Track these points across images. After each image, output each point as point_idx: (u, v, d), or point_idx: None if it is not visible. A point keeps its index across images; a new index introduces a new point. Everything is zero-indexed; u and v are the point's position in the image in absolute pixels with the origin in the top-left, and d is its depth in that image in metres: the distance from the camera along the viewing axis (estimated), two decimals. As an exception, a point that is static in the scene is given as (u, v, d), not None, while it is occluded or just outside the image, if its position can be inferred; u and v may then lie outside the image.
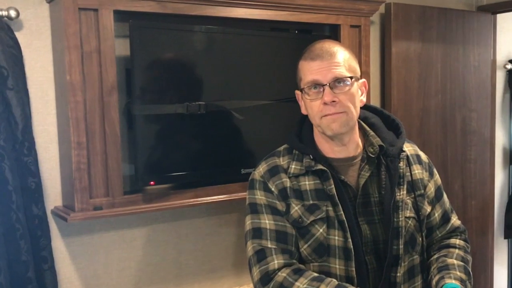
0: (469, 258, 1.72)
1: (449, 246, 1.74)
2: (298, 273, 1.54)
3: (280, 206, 1.63)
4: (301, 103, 1.68)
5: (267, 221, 1.63)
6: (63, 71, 2.04)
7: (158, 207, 2.24)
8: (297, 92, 1.68)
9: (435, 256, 1.71)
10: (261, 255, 1.59)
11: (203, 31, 2.31)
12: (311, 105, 1.59)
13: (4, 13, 1.98)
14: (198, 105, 2.26)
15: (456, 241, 1.76)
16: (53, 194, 2.19)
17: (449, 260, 1.66)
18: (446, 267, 1.62)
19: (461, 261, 1.66)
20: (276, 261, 1.56)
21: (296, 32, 2.66)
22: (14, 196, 1.96)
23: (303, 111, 1.68)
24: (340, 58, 1.57)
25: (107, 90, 2.09)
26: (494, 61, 3.53)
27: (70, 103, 2.02)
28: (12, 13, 2.00)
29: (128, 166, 2.30)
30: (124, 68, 2.23)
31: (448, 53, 3.22)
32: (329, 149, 1.65)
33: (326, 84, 1.54)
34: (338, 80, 1.55)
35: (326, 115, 1.56)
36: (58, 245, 2.22)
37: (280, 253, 1.58)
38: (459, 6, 3.40)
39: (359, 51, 2.74)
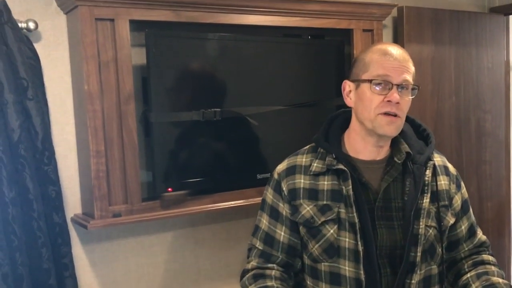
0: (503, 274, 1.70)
1: (484, 262, 1.70)
2: (255, 278, 1.63)
3: (283, 208, 1.66)
4: (348, 94, 1.65)
5: (264, 221, 1.70)
6: (81, 81, 2.07)
7: (176, 213, 2.27)
8: (348, 82, 1.65)
9: (473, 273, 1.67)
10: (249, 253, 1.73)
11: (217, 39, 2.34)
12: (372, 98, 1.55)
13: (23, 25, 2.02)
14: (213, 111, 2.29)
15: (489, 258, 1.72)
16: (72, 202, 2.22)
17: (494, 279, 1.62)
18: (493, 287, 1.60)
19: (502, 278, 1.64)
20: (252, 262, 1.68)
21: (309, 37, 2.68)
22: (35, 205, 2.00)
23: (349, 103, 1.65)
24: (411, 66, 1.58)
25: (124, 99, 2.12)
26: (507, 62, 3.52)
27: (88, 112, 2.06)
28: (31, 25, 2.04)
29: (146, 173, 2.32)
30: (141, 77, 2.26)
31: (461, 55, 3.22)
32: (361, 148, 1.64)
33: (394, 84, 1.53)
34: (406, 86, 1.56)
35: (384, 114, 1.54)
36: (78, 252, 2.25)
37: (259, 256, 1.68)
38: (471, 8, 3.40)
39: (372, 55, 2.75)
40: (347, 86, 1.65)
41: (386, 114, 1.54)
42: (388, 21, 2.99)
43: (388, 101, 1.53)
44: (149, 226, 2.39)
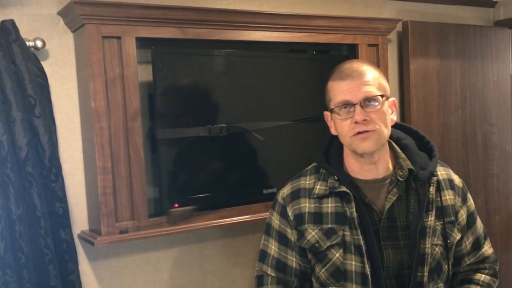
0: None
1: (471, 281, 1.68)
2: None
3: (290, 234, 1.65)
4: (331, 124, 1.65)
5: (273, 247, 1.68)
6: (88, 98, 2.09)
7: (183, 229, 2.27)
8: (326, 113, 1.65)
9: None
10: (259, 280, 1.69)
11: (223, 55, 2.36)
12: (342, 125, 1.57)
13: (31, 43, 2.05)
14: (220, 127, 2.30)
15: (481, 277, 1.69)
16: (79, 218, 2.23)
17: None
18: None
19: None
20: None
21: (314, 52, 2.69)
22: (42, 222, 2.01)
23: (333, 132, 1.65)
24: (370, 77, 1.55)
25: (131, 116, 2.13)
26: (513, 75, 3.52)
27: (95, 129, 2.07)
28: (39, 43, 2.06)
29: (152, 189, 2.33)
30: (147, 94, 2.28)
31: (466, 68, 3.23)
32: (358, 169, 1.62)
33: (357, 103, 1.52)
34: (368, 99, 1.53)
35: (356, 134, 1.53)
36: (85, 269, 2.25)
37: (276, 283, 1.65)
38: (476, 21, 3.41)
39: (377, 69, 2.76)
40: (327, 116, 1.66)
41: (358, 133, 1.54)
42: (393, 36, 3.00)
43: (355, 122, 1.53)
44: (156, 242, 2.39)
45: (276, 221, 1.69)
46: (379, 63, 2.76)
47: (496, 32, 3.36)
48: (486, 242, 1.75)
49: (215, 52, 2.35)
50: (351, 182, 1.61)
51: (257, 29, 2.40)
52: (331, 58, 2.72)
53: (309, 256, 1.64)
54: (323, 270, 1.60)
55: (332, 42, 2.63)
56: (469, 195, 1.73)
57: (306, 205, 1.64)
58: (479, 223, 1.74)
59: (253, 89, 2.43)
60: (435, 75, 3.10)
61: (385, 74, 2.77)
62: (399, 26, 2.96)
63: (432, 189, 1.59)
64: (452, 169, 1.76)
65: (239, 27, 2.35)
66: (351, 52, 2.75)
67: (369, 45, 2.74)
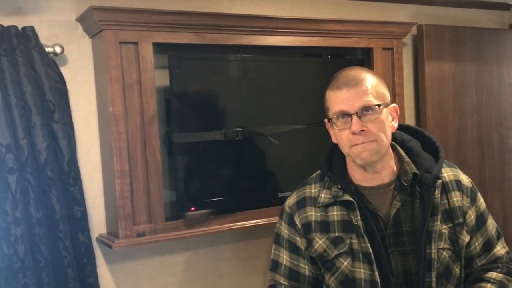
0: None
1: (482, 280, 1.64)
2: None
3: (300, 242, 1.64)
4: (331, 132, 1.63)
5: (284, 256, 1.67)
6: (106, 103, 2.12)
7: (199, 232, 2.29)
8: (326, 121, 1.63)
9: None
10: None
11: (238, 60, 2.38)
12: (340, 135, 1.55)
13: (50, 49, 2.08)
14: (235, 131, 2.32)
15: (493, 275, 1.64)
16: (97, 222, 2.26)
17: None
18: None
19: None
20: None
21: (329, 56, 2.71)
22: (61, 225, 2.04)
23: (334, 140, 1.63)
24: (367, 85, 1.52)
25: (148, 120, 2.16)
26: (529, 78, 3.50)
27: (113, 134, 2.10)
28: (58, 49, 2.09)
29: (169, 192, 2.35)
30: (164, 98, 2.30)
31: (482, 72, 3.21)
32: (361, 177, 1.61)
33: (353, 114, 1.50)
34: (366, 109, 1.50)
35: (355, 145, 1.52)
36: (103, 272, 2.28)
37: None
38: (492, 24, 3.39)
39: (392, 73, 2.76)
40: (327, 125, 1.63)
41: (357, 144, 1.52)
42: (408, 39, 3.00)
43: (353, 132, 1.51)
44: (172, 245, 2.41)
45: (285, 230, 1.68)
46: (394, 67, 2.76)
47: (511, 35, 3.34)
48: (499, 242, 1.70)
49: (230, 57, 2.37)
50: (355, 190, 1.60)
51: (272, 33, 2.42)
52: (345, 62, 2.72)
53: (319, 264, 1.63)
54: (332, 278, 1.60)
55: (347, 46, 2.64)
56: (479, 195, 1.69)
57: (313, 214, 1.64)
58: (490, 224, 1.69)
59: (268, 93, 2.45)
60: (451, 78, 3.10)
61: (400, 77, 2.78)
62: (414, 30, 2.96)
63: (437, 193, 1.57)
64: (467, 173, 1.74)
65: (255, 32, 2.37)
66: (366, 56, 2.75)
67: (383, 48, 2.74)
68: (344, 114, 1.52)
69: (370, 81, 1.54)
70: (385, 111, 1.54)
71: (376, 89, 1.54)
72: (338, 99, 1.53)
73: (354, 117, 1.50)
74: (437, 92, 3.05)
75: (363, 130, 1.50)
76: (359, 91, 1.51)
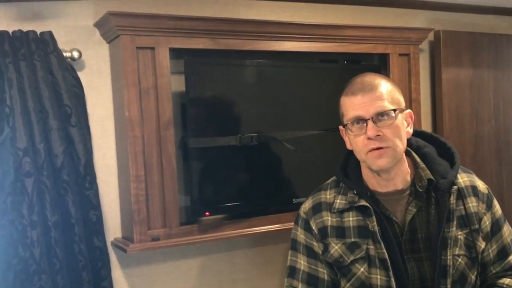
0: None
1: (495, 285, 1.61)
2: None
3: (317, 247, 1.63)
4: (346, 139, 1.62)
5: (302, 262, 1.65)
6: (122, 108, 2.13)
7: (213, 237, 2.29)
8: (341, 128, 1.62)
9: None
10: None
11: (254, 65, 2.38)
12: (355, 141, 1.54)
13: (68, 54, 2.10)
14: (250, 136, 2.32)
15: (506, 281, 1.61)
16: (113, 226, 2.27)
17: None
18: None
19: None
20: None
21: (345, 62, 2.70)
22: (76, 229, 2.05)
23: (348, 147, 1.63)
24: (383, 90, 1.52)
25: (163, 125, 2.16)
26: (548, 84, 3.46)
27: (129, 138, 2.11)
28: (75, 54, 2.11)
29: (184, 197, 2.35)
30: (179, 103, 2.31)
31: (500, 78, 3.18)
32: (376, 183, 1.60)
33: (369, 119, 1.50)
34: (381, 114, 1.50)
35: (371, 150, 1.51)
36: (118, 276, 2.29)
37: None
38: (509, 31, 3.35)
39: (408, 79, 2.75)
40: (342, 130, 1.63)
41: (373, 150, 1.51)
42: (424, 45, 2.98)
43: (368, 138, 1.50)
44: (186, 250, 2.41)
45: (301, 235, 1.67)
46: (411, 73, 2.75)
47: (530, 41, 3.31)
48: None
49: (246, 62, 2.37)
50: (371, 195, 1.59)
51: (288, 39, 2.42)
52: (362, 68, 2.71)
53: (335, 269, 1.62)
54: (348, 284, 1.58)
55: (363, 52, 2.63)
56: (495, 202, 1.68)
57: (329, 219, 1.63)
58: (506, 231, 1.67)
59: (284, 99, 2.44)
60: (468, 85, 3.07)
61: (417, 83, 2.77)
62: (431, 36, 2.94)
63: (452, 198, 1.56)
64: (484, 180, 1.72)
65: (270, 38, 2.37)
66: (382, 62, 2.74)
67: (400, 54, 2.73)
68: (359, 120, 1.52)
69: (385, 86, 1.54)
70: (400, 116, 1.54)
71: (391, 94, 1.54)
72: (353, 105, 1.53)
73: (370, 122, 1.50)
74: (454, 98, 3.03)
75: (378, 135, 1.49)
76: (374, 96, 1.51)
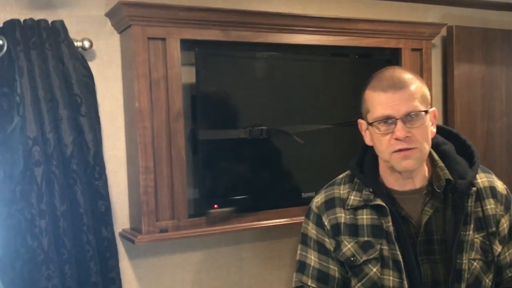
0: None
1: None
2: None
3: (329, 243, 1.59)
4: (365, 133, 1.56)
5: (312, 257, 1.61)
6: (132, 98, 2.12)
7: (221, 230, 2.28)
8: (361, 122, 1.56)
9: None
10: None
11: (265, 58, 2.37)
12: (380, 140, 1.47)
13: (79, 44, 2.09)
14: (260, 129, 2.30)
15: None
16: (121, 217, 2.27)
17: None
18: None
19: None
20: None
21: (357, 56, 2.68)
22: (85, 219, 2.05)
23: (368, 142, 1.56)
24: (414, 88, 1.45)
25: (173, 116, 2.15)
26: (561, 82, 3.42)
27: (139, 129, 2.10)
28: (86, 44, 2.10)
29: (192, 190, 2.35)
30: (190, 95, 2.30)
31: (512, 75, 3.16)
32: (394, 181, 1.55)
33: (398, 119, 1.42)
34: (411, 115, 1.43)
35: (397, 151, 1.45)
36: (125, 266, 2.28)
37: None
38: (523, 27, 3.33)
39: (420, 74, 2.72)
40: (362, 124, 1.56)
41: (399, 150, 1.45)
42: (437, 40, 2.96)
43: (396, 138, 1.44)
44: (194, 242, 2.41)
45: (312, 230, 1.63)
46: (423, 68, 2.72)
47: (543, 38, 3.28)
48: None
49: (257, 54, 2.36)
50: (387, 193, 1.54)
51: (299, 32, 2.40)
52: (373, 62, 2.69)
53: (346, 267, 1.59)
54: (359, 284, 1.55)
55: (375, 46, 2.61)
56: None
57: (342, 215, 1.58)
58: None
59: (294, 92, 2.43)
60: (480, 81, 3.04)
61: (429, 79, 2.74)
62: (443, 31, 2.92)
63: (470, 201, 1.51)
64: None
65: (282, 30, 2.36)
66: (394, 57, 2.72)
67: (412, 49, 2.71)
68: (388, 118, 1.45)
69: (415, 83, 1.47)
70: (428, 117, 1.47)
71: (421, 92, 1.47)
72: (382, 102, 1.45)
73: (399, 123, 1.43)
74: (465, 94, 3.00)
75: (407, 137, 1.43)
76: (405, 95, 1.44)
